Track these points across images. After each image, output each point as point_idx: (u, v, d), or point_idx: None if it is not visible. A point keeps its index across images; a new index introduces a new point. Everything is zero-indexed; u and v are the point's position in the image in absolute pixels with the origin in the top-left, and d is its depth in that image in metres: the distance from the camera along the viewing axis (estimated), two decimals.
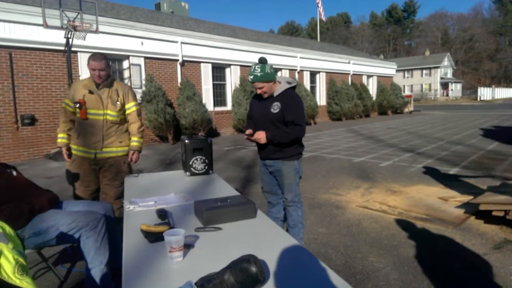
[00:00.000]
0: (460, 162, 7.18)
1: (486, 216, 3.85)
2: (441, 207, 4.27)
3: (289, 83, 2.95)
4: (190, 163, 2.97)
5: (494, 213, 3.73)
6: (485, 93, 48.01)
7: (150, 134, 11.99)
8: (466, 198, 4.52)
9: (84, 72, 10.36)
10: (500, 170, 6.32)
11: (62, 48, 9.21)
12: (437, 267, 2.89)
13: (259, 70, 2.76)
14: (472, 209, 4.08)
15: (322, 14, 28.97)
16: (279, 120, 2.85)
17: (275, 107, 2.85)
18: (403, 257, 3.09)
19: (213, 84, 14.34)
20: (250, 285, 1.05)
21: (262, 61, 2.79)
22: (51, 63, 9.75)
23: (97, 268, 2.28)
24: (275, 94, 2.89)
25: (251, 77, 2.80)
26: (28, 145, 9.35)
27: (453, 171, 6.38)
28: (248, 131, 2.91)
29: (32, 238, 2.19)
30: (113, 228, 2.64)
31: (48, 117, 9.70)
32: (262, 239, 1.69)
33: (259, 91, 2.87)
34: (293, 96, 2.90)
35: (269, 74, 2.78)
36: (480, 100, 46.18)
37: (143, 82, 11.80)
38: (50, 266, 2.67)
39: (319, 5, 28.48)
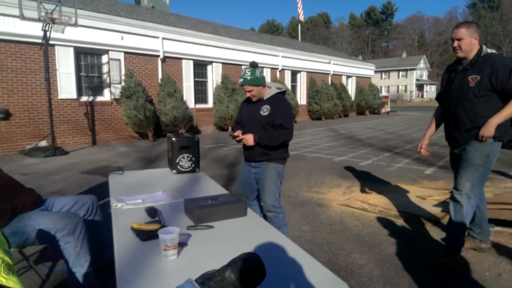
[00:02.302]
0: (436, 161, 7.41)
1: None
2: (420, 206, 4.41)
3: (279, 88, 3.03)
4: (177, 161, 2.96)
5: None
6: None
7: (129, 131, 11.79)
8: (443, 197, 4.69)
9: (61, 66, 10.09)
10: None
11: (39, 41, 8.94)
12: (417, 263, 2.99)
13: (249, 73, 2.84)
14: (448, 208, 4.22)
15: (301, 14, 29.16)
16: (268, 122, 2.91)
17: (265, 110, 2.92)
18: (385, 254, 3.17)
19: (195, 81, 14.23)
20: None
21: (253, 65, 2.86)
22: (27, 56, 9.43)
23: (79, 271, 2.24)
24: (265, 97, 2.96)
25: (241, 80, 2.87)
26: (2, 141, 9.02)
27: (429, 170, 6.59)
28: (237, 133, 2.98)
29: (10, 237, 2.13)
30: (98, 223, 2.60)
31: (23, 112, 9.39)
32: (254, 236, 1.72)
33: (248, 94, 2.94)
34: (282, 100, 2.97)
35: (258, 78, 2.86)
36: None
37: (123, 77, 11.58)
38: (32, 265, 2.60)
39: (299, 5, 28.66)
